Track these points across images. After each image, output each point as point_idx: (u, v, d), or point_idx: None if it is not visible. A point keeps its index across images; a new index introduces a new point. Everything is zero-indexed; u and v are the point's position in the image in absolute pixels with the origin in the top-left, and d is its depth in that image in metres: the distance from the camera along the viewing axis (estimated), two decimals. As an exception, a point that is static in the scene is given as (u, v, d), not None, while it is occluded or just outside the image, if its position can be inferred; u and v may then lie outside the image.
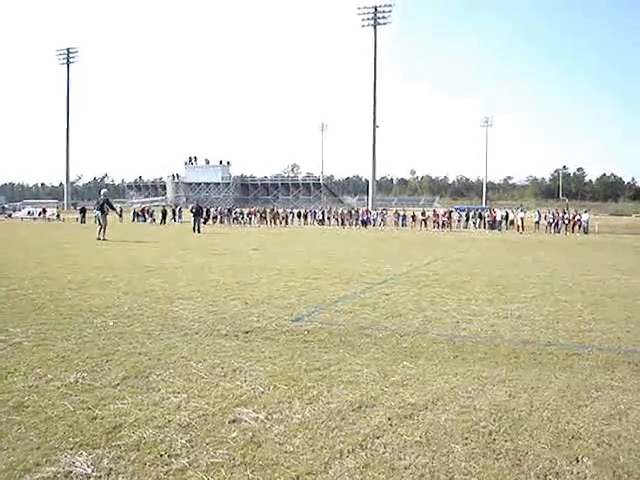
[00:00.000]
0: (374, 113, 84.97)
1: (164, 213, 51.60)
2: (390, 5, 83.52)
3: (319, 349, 6.36)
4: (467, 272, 13.96)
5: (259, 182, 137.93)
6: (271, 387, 5.03)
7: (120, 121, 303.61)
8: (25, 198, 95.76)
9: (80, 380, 5.14)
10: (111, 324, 7.51)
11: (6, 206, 70.85)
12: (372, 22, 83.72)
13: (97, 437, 3.91)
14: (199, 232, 33.60)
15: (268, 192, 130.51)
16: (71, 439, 3.87)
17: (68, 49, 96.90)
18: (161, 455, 3.66)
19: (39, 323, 7.47)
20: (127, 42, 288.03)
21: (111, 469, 3.46)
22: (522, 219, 42.15)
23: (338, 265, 15.36)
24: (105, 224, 25.37)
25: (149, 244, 24.23)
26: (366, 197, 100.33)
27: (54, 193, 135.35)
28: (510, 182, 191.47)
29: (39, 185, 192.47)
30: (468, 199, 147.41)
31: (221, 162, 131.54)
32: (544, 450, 3.79)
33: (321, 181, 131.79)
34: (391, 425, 4.19)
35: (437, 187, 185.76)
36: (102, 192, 27.21)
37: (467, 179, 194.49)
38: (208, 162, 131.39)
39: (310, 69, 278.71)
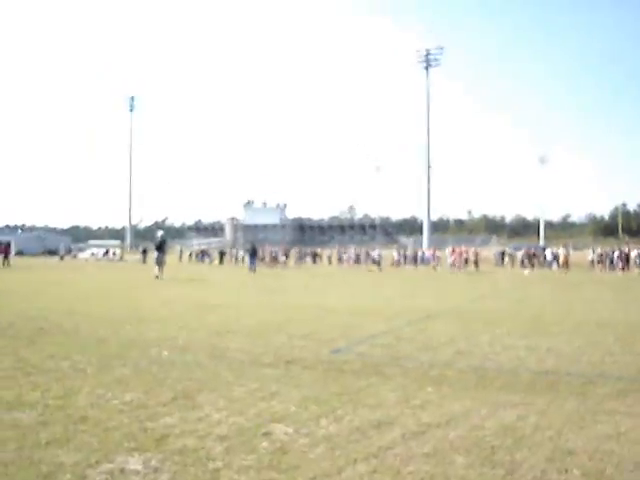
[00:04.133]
0: (428, 154, 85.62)
1: (222, 254, 52.96)
2: (441, 48, 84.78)
3: (352, 377, 6.91)
4: (508, 309, 14.26)
5: (315, 224, 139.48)
6: (302, 407, 5.61)
7: (180, 166, 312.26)
8: (89, 239, 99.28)
9: (135, 399, 5.83)
10: (165, 354, 8.22)
11: (72, 247, 73.75)
12: (424, 64, 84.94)
13: (147, 444, 4.56)
14: (254, 271, 34.52)
15: (324, 233, 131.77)
16: (126, 444, 4.53)
17: (132, 97, 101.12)
18: (200, 459, 4.27)
19: (100, 353, 8.26)
20: (187, 89, 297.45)
21: (157, 468, 4.10)
22: (566, 257, 40.95)
23: (382, 302, 15.84)
24: (163, 263, 26.56)
25: (206, 283, 25.17)
26: (421, 237, 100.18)
27: (117, 235, 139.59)
28: (568, 220, 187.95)
29: (103, 228, 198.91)
30: (525, 238, 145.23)
31: (278, 205, 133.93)
32: (538, 462, 4.25)
33: (376, 222, 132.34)
34: (404, 440, 4.71)
35: (494, 226, 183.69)
36: (159, 233, 28.60)
37: (524, 218, 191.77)
38: (265, 205, 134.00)
39: (366, 111, 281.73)
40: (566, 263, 39.41)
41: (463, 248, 42.55)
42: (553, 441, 4.69)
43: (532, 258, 43.60)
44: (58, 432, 4.82)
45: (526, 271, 31.70)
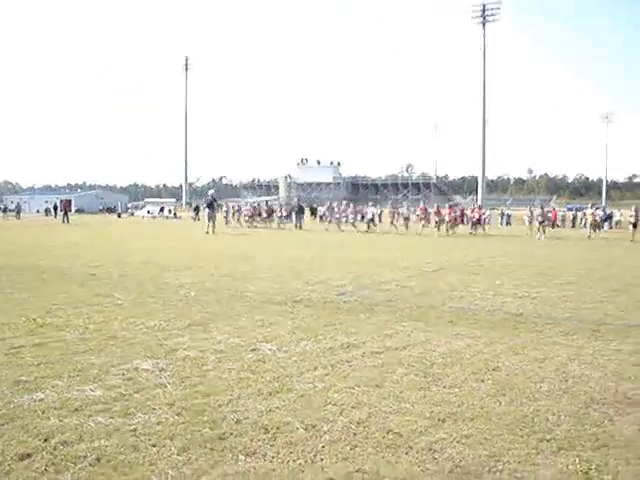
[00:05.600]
0: (483, 109, 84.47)
1: (271, 211, 54.47)
2: (499, 2, 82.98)
3: (343, 313, 8.08)
4: (522, 264, 15.12)
5: (369, 182, 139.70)
6: (291, 333, 6.82)
7: (237, 125, 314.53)
8: (147, 197, 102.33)
9: (157, 325, 7.15)
10: (192, 294, 9.54)
11: (129, 205, 76.58)
12: (481, 20, 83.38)
13: (159, 354, 5.85)
14: (300, 228, 35.78)
15: (378, 192, 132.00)
16: (142, 354, 5.83)
17: (186, 57, 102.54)
18: (197, 364, 5.53)
19: (138, 293, 9.64)
20: (242, 47, 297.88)
21: (163, 368, 5.37)
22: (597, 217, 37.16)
23: (401, 256, 16.89)
24: (213, 219, 28.49)
25: (249, 237, 26.57)
26: (476, 196, 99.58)
27: (174, 193, 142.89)
28: (635, 181, 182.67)
29: (161, 186, 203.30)
30: (587, 198, 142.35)
31: (332, 163, 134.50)
32: (461, 375, 5.33)
33: (432, 181, 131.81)
34: (362, 357, 5.86)
35: (555, 186, 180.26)
36: (210, 192, 30.87)
37: (587, 178, 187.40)
38: (319, 163, 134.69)
39: (423, 67, 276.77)
40: (595, 224, 31.70)
41: (460, 207, 36.80)
42: (485, 362, 5.73)
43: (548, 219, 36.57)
44: (93, 345, 6.16)
45: (538, 235, 28.21)
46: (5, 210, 63.11)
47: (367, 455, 3.60)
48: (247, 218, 38.40)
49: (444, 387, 4.92)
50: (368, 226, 33.03)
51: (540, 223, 29.09)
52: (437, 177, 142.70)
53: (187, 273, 12.29)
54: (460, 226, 32.94)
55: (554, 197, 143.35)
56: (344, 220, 34.32)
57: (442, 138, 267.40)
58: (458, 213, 34.04)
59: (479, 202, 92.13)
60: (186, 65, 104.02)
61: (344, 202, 38.10)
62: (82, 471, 3.36)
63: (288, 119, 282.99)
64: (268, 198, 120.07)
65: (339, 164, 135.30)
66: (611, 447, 3.75)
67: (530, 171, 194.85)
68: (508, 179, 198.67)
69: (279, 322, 7.42)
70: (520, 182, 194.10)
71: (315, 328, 7.11)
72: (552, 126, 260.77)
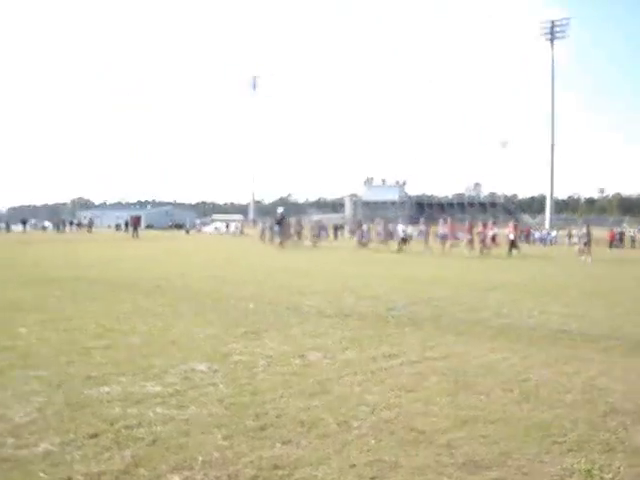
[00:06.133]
0: (552, 130, 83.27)
1: (335, 229, 55.25)
2: (568, 18, 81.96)
3: (391, 326, 8.48)
4: (572, 284, 15.16)
5: (434, 201, 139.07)
6: (338, 343, 7.27)
7: (304, 143, 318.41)
8: (214, 214, 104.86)
9: (214, 333, 7.73)
10: (251, 307, 10.10)
11: (197, 222, 78.73)
12: (549, 36, 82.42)
13: (214, 358, 6.40)
14: (364, 245, 36.18)
15: (444, 211, 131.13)
16: (199, 358, 6.38)
17: (254, 77, 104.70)
18: (247, 367, 6.05)
19: (200, 303, 10.30)
20: (308, 67, 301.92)
21: (216, 370, 5.91)
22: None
23: (456, 274, 17.11)
24: (283, 236, 29.69)
25: (312, 253, 27.18)
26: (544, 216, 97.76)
27: (241, 210, 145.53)
28: None
29: (228, 203, 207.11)
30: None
31: (397, 182, 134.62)
32: (490, 384, 5.67)
33: (498, 200, 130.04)
34: (400, 365, 6.26)
35: (628, 206, 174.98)
36: (279, 210, 32.63)
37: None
38: (385, 182, 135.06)
39: (492, 83, 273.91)
40: None
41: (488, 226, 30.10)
42: (516, 373, 6.04)
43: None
44: (155, 349, 6.77)
45: (582, 257, 26.38)
46: (79, 225, 66.05)
47: (390, 448, 4.02)
48: (310, 236, 38.40)
49: (472, 394, 5.28)
50: (399, 246, 30.96)
51: (585, 244, 27.25)
52: (505, 196, 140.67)
53: (247, 287, 12.92)
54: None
55: (626, 217, 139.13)
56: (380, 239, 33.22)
57: (511, 156, 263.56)
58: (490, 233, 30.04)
59: (547, 222, 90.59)
60: (254, 84, 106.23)
61: (381, 221, 36.57)
62: (140, 449, 3.89)
63: (355, 137, 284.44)
64: (334, 216, 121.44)
65: (404, 183, 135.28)
66: (619, 451, 4.04)
67: (601, 190, 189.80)
68: (578, 199, 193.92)
69: (328, 333, 7.89)
70: (591, 202, 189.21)
71: (361, 339, 7.54)
72: (625, 144, 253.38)
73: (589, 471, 3.72)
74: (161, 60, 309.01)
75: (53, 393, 5.07)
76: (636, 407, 4.98)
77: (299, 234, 36.23)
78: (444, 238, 30.28)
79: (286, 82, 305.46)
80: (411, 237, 35.40)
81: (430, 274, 17.30)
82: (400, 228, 32.64)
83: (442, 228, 31.27)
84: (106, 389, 5.20)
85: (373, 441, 4.14)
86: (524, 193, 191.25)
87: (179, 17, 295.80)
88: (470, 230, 29.77)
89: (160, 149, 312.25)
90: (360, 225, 36.25)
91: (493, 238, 30.05)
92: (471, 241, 29.02)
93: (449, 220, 31.76)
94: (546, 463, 3.83)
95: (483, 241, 29.08)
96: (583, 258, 26.29)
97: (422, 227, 34.80)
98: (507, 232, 29.56)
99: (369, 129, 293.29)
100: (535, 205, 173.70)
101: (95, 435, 4.12)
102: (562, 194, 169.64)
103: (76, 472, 3.56)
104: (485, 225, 30.59)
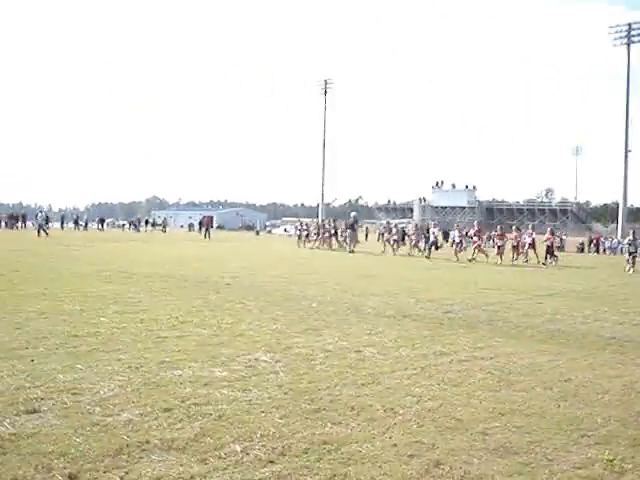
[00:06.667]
0: (626, 135, 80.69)
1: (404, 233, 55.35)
2: (646, 21, 79.10)
3: (445, 328, 8.86)
4: (632, 293, 15.13)
5: (504, 207, 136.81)
6: (393, 341, 7.72)
7: (374, 145, 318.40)
8: (285, 216, 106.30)
9: (278, 328, 8.31)
10: (314, 305, 10.66)
11: (267, 223, 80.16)
12: (625, 40, 79.86)
13: (276, 349, 6.97)
14: (429, 255, 36.19)
15: (513, 217, 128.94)
16: (263, 349, 6.96)
17: (326, 80, 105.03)
18: (307, 359, 6.58)
19: (266, 301, 10.93)
20: (379, 69, 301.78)
21: (278, 360, 6.47)
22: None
23: (515, 281, 17.22)
24: (353, 240, 30.13)
25: (377, 257, 27.62)
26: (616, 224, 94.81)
27: (311, 213, 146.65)
28: None
29: (299, 205, 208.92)
30: None
31: (467, 186, 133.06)
32: (532, 383, 6.00)
33: (569, 207, 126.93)
34: (450, 363, 6.66)
35: None
36: (352, 214, 33.09)
37: None
38: (454, 186, 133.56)
39: (566, 86, 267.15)
40: None
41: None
42: (560, 375, 6.32)
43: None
44: (223, 340, 7.39)
45: (628, 267, 23.47)
46: (154, 224, 68.42)
47: (429, 432, 4.45)
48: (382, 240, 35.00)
49: (513, 390, 5.64)
50: (429, 251, 28.95)
51: (630, 254, 24.40)
52: (577, 203, 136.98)
53: (312, 287, 13.50)
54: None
55: None
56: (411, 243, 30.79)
57: (585, 161, 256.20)
58: (528, 239, 27.00)
59: (619, 231, 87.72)
60: (325, 88, 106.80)
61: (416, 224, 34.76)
62: (207, 423, 4.46)
63: (425, 139, 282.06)
64: (403, 220, 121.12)
65: (474, 188, 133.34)
66: (644, 446, 4.36)
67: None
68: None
69: (385, 332, 8.34)
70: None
71: (415, 338, 7.97)
72: None
73: (611, 461, 4.05)
74: (237, 60, 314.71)
75: (132, 374, 5.72)
76: (671, 409, 5.24)
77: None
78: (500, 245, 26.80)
79: (358, 84, 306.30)
80: (442, 244, 32.80)
81: (488, 280, 17.46)
82: (432, 232, 29.79)
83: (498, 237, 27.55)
84: (178, 372, 5.82)
85: (415, 426, 4.58)
86: (597, 200, 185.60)
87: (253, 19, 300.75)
88: (501, 237, 26.99)
89: (234, 150, 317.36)
90: (422, 229, 34.31)
91: (532, 244, 26.72)
92: (500, 248, 26.31)
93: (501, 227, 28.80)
94: (572, 452, 4.18)
95: (516, 247, 26.65)
96: (628, 268, 23.72)
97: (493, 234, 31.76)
98: (544, 239, 26.68)
99: (442, 132, 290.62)
100: (609, 213, 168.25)
101: (169, 409, 4.72)
102: (639, 202, 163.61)
103: (153, 437, 4.15)
104: (519, 230, 28.13)
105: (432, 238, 29.20)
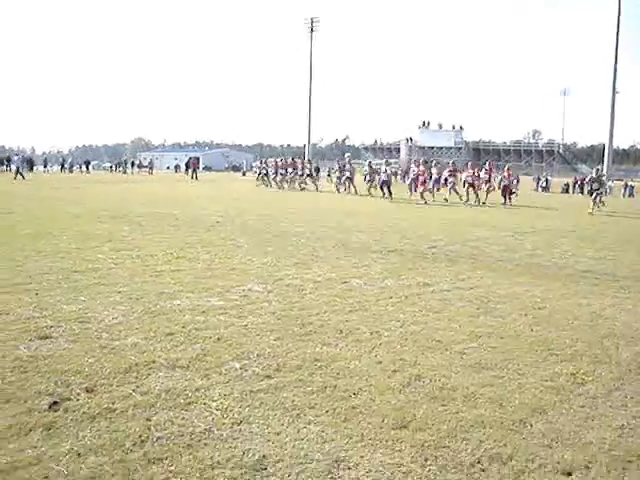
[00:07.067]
0: (614, 76, 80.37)
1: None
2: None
3: (428, 261, 9.27)
4: (608, 230, 15.58)
5: (491, 147, 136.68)
6: (379, 273, 8.12)
7: (361, 85, 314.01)
8: (271, 157, 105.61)
9: (269, 262, 8.68)
10: (302, 241, 11.01)
11: (254, 164, 79.78)
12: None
13: (268, 281, 7.34)
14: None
15: (500, 158, 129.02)
16: (255, 281, 7.33)
17: (312, 18, 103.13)
18: (297, 289, 6.97)
19: (257, 238, 11.27)
20: (367, 9, 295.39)
21: (270, 290, 6.85)
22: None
23: (498, 218, 17.65)
24: (349, 181, 30.08)
25: (366, 197, 27.92)
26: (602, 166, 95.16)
27: (298, 153, 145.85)
28: None
29: (285, 146, 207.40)
30: None
31: (454, 127, 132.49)
32: (509, 310, 6.42)
33: (555, 148, 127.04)
34: (432, 292, 7.08)
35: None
36: (346, 155, 32.88)
37: None
38: (441, 126, 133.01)
39: (553, 29, 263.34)
40: None
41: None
42: (534, 303, 6.73)
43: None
44: (217, 273, 7.76)
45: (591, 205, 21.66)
46: (140, 166, 68.05)
47: (411, 352, 4.87)
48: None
49: (490, 317, 6.06)
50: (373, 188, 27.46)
51: (593, 192, 22.55)
52: (563, 145, 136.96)
53: (300, 225, 13.84)
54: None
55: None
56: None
57: (572, 103, 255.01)
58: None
59: (604, 172, 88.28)
60: (311, 27, 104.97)
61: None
62: (207, 345, 4.85)
63: (412, 80, 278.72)
64: (389, 161, 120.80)
65: (461, 128, 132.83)
66: (604, 363, 4.77)
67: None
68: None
69: (371, 265, 8.73)
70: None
71: (400, 270, 8.37)
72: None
73: (574, 374, 4.49)
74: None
75: (133, 304, 6.08)
76: (634, 333, 5.68)
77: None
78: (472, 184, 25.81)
79: (344, 24, 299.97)
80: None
81: (472, 218, 17.87)
82: (382, 169, 26.85)
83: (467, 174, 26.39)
84: (177, 302, 6.18)
85: (399, 346, 4.99)
86: (584, 142, 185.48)
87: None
88: (453, 173, 26.63)
89: (218, 89, 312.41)
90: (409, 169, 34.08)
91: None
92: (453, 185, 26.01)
93: (469, 165, 27.37)
94: (540, 368, 4.61)
95: (472, 185, 25.56)
96: (591, 207, 21.83)
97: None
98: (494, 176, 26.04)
99: (430, 71, 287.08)
100: (595, 155, 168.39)
101: (171, 334, 5.09)
102: (624, 144, 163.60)
103: (158, 357, 4.53)
104: (475, 167, 26.95)
105: (383, 177, 26.25)
